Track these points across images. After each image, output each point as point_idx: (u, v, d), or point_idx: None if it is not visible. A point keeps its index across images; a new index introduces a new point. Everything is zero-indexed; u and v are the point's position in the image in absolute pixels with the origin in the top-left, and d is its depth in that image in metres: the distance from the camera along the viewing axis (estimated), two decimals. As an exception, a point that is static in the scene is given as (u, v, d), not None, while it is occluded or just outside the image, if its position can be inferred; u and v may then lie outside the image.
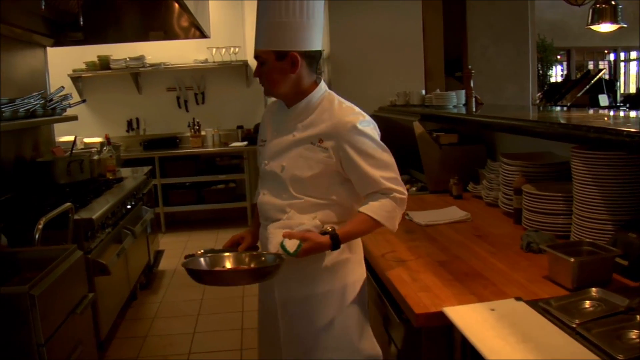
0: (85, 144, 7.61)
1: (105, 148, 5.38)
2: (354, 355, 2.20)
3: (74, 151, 5.59)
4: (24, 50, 5.07)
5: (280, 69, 2.10)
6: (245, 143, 7.71)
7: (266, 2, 2.11)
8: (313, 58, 2.15)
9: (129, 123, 8.16)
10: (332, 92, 2.22)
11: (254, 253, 2.18)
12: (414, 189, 4.37)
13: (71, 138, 7.76)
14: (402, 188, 2.12)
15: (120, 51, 7.62)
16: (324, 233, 2.04)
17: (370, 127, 2.12)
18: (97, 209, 3.79)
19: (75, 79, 7.85)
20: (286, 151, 2.16)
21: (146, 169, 5.82)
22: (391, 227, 2.13)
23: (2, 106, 3.57)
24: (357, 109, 2.15)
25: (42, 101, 4.19)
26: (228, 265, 2.13)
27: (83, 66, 7.70)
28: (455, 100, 4.58)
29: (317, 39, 2.14)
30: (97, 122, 8.10)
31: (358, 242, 2.27)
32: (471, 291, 1.94)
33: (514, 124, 2.90)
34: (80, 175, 4.82)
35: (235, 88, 8.09)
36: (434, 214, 3.06)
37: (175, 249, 6.63)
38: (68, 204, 3.23)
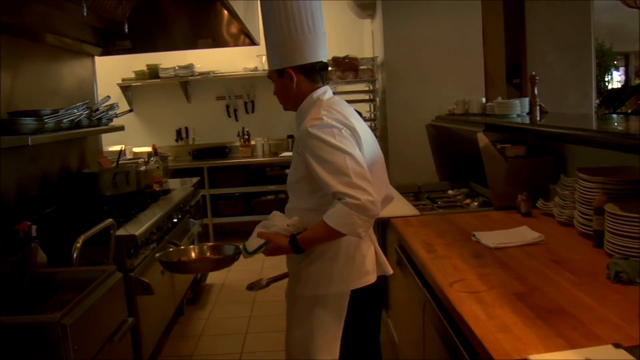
0: (135, 153, 7.55)
1: (152, 159, 5.24)
2: None
3: (121, 162, 5.49)
4: (71, 60, 4.98)
5: (284, 85, 2.30)
6: (295, 153, 7.48)
7: (265, 25, 2.31)
8: (311, 70, 2.28)
9: (178, 132, 8.06)
10: (323, 99, 2.28)
11: (216, 244, 2.54)
12: (475, 203, 4.09)
13: (121, 147, 7.75)
14: (356, 192, 2.02)
15: (169, 60, 7.52)
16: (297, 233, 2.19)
17: (324, 130, 2.11)
18: (142, 224, 3.61)
19: (125, 88, 7.79)
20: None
21: (195, 179, 5.66)
22: (351, 234, 2.08)
23: (46, 117, 3.43)
24: (321, 114, 2.16)
25: (87, 111, 4.05)
26: (193, 256, 2.51)
27: (132, 75, 7.62)
28: (519, 109, 4.28)
29: (313, 51, 2.26)
30: (146, 131, 8.03)
31: (338, 255, 2.26)
32: (558, 333, 1.66)
33: (596, 137, 2.59)
34: (126, 187, 4.68)
35: (286, 96, 7.89)
36: (503, 235, 2.77)
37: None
38: (109, 220, 3.06)
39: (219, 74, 7.66)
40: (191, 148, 7.92)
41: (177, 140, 8.09)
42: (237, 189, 7.53)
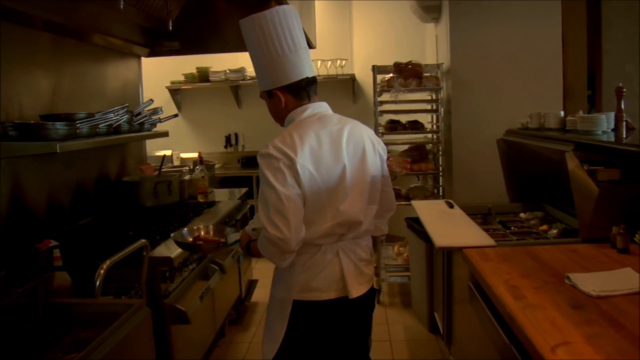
0: (182, 159, 7.27)
1: (197, 167, 4.89)
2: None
3: (164, 169, 5.18)
4: (116, 61, 4.68)
5: (274, 105, 2.40)
6: (349, 164, 7.06)
7: (249, 49, 2.39)
8: (297, 88, 2.34)
9: (227, 139, 7.73)
10: (296, 119, 2.34)
11: (219, 227, 2.93)
12: (554, 231, 3.60)
13: (168, 152, 7.48)
14: (269, 227, 2.15)
15: (220, 63, 7.21)
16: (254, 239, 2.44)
17: (264, 161, 2.22)
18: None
19: (174, 91, 7.52)
20: None
21: (243, 190, 5.30)
22: (269, 259, 2.26)
23: (78, 122, 3.09)
24: (274, 141, 2.23)
25: (127, 116, 3.71)
26: (202, 235, 2.85)
27: (182, 78, 7.33)
28: (605, 125, 3.78)
29: (297, 68, 2.32)
30: (195, 136, 7.74)
31: (294, 267, 2.32)
32: None
33: None
34: (167, 198, 4.34)
35: (341, 104, 7.48)
36: (604, 279, 2.30)
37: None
38: (142, 241, 2.69)
39: (272, 79, 7.29)
40: (240, 155, 7.58)
41: (226, 147, 7.77)
42: (287, 199, 7.10)
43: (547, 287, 2.25)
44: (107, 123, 3.46)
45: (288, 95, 2.35)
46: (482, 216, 4.16)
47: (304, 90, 2.37)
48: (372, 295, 2.53)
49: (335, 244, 2.33)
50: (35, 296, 2.10)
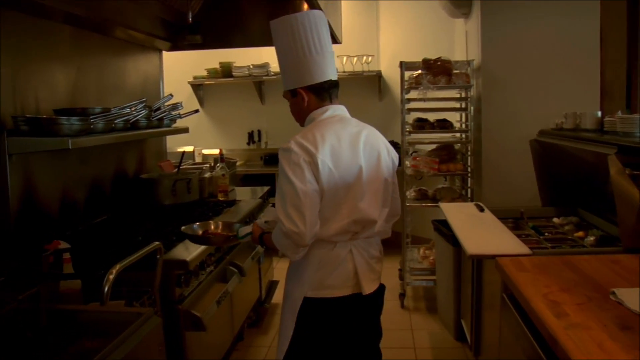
0: (204, 155, 7.14)
1: (218, 165, 4.75)
2: None
3: (184, 166, 5.05)
4: (136, 55, 4.56)
5: (297, 104, 2.47)
6: (374, 163, 6.88)
7: (276, 48, 2.47)
8: (320, 89, 2.43)
9: (250, 135, 7.60)
10: (317, 119, 2.41)
11: (227, 222, 2.95)
12: (591, 238, 3.40)
13: (190, 148, 7.36)
14: (285, 220, 2.22)
15: (244, 58, 7.07)
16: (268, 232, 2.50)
17: (285, 155, 2.28)
18: (196, 245, 3.11)
19: (196, 86, 7.40)
20: None
21: (265, 189, 5.16)
22: (282, 252, 2.33)
23: (92, 117, 2.96)
24: (295, 137, 2.31)
25: (145, 111, 3.57)
26: (211, 230, 2.90)
27: (204, 73, 7.20)
28: (646, 126, 3.56)
29: (322, 70, 2.40)
30: (217, 132, 7.63)
31: (302, 262, 2.39)
32: None
33: None
34: (186, 196, 4.20)
35: (367, 101, 7.33)
36: (653, 295, 2.11)
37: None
38: (156, 243, 2.54)
39: (296, 75, 7.14)
40: (263, 152, 7.45)
41: (248, 144, 7.64)
42: (310, 198, 6.96)
43: (591, 303, 2.07)
44: (123, 118, 3.33)
45: (311, 95, 2.43)
46: (513, 220, 3.96)
47: (327, 92, 2.45)
48: (381, 292, 2.56)
49: (348, 242, 2.39)
50: (38, 302, 1.96)
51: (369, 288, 2.42)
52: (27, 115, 2.86)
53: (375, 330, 2.59)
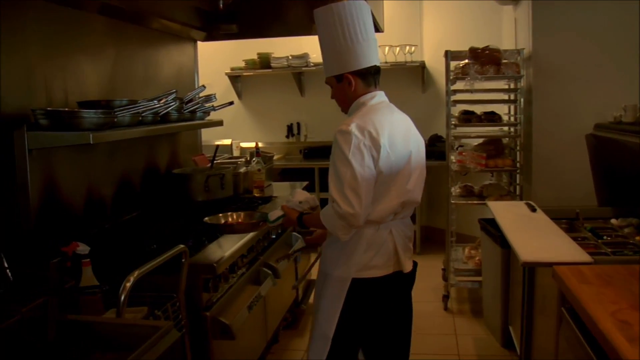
0: (242, 149, 7.00)
1: (254, 159, 4.55)
2: (313, 328, 2.63)
3: (220, 161, 4.89)
4: (170, 45, 4.39)
5: (342, 89, 2.53)
6: (417, 157, 6.62)
7: (320, 35, 2.53)
8: (366, 74, 2.50)
9: (289, 128, 7.40)
10: (367, 104, 2.49)
11: (249, 212, 3.09)
12: (657, 242, 3.11)
13: (228, 141, 7.21)
14: (342, 202, 2.30)
15: (283, 48, 6.86)
16: (307, 213, 2.63)
17: (345, 137, 2.32)
18: (227, 246, 2.93)
19: (234, 78, 7.22)
20: None
21: (304, 184, 4.96)
22: (332, 232, 2.41)
23: (116, 110, 2.77)
24: (353, 120, 2.37)
25: (175, 103, 3.38)
26: (232, 219, 3.04)
27: (242, 64, 7.01)
28: None
29: (368, 56, 2.48)
30: (255, 125, 7.45)
31: (348, 244, 2.47)
32: None
33: None
34: (220, 192, 4.02)
35: (409, 93, 7.05)
36: None
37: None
38: (180, 246, 2.37)
39: (337, 66, 6.91)
40: (302, 146, 7.24)
41: (287, 137, 7.44)
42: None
43: (668, 324, 1.80)
44: (152, 111, 3.14)
45: (358, 80, 2.49)
46: (567, 221, 3.68)
47: (373, 77, 2.53)
48: (415, 268, 2.65)
49: (389, 223, 2.50)
50: (46, 313, 1.78)
51: (408, 266, 2.57)
52: (48, 108, 2.69)
53: (409, 304, 2.73)
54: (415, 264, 2.64)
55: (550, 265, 2.48)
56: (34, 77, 2.81)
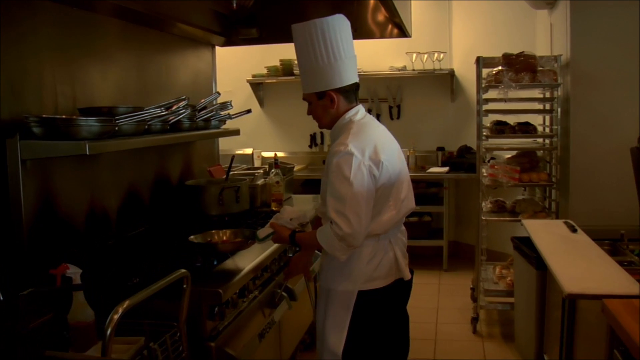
0: (263, 158, 6.78)
1: (272, 171, 4.31)
2: (321, 346, 2.65)
3: (238, 171, 4.66)
4: (187, 50, 4.18)
5: (323, 106, 2.55)
6: (446, 169, 6.34)
7: (299, 51, 2.53)
8: (348, 91, 2.54)
9: (313, 137, 7.17)
10: (354, 120, 2.52)
11: (235, 230, 3.00)
12: None
13: (249, 150, 6.98)
14: (342, 222, 2.31)
15: (306, 54, 6.61)
16: (299, 230, 2.64)
17: (344, 157, 2.35)
18: (237, 269, 2.68)
19: (256, 85, 7.00)
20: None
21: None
22: (330, 253, 2.42)
23: (117, 118, 2.54)
24: (348, 139, 2.39)
25: (185, 111, 3.15)
26: (217, 238, 2.95)
27: (264, 71, 6.78)
28: None
29: (350, 73, 2.51)
30: (278, 134, 7.23)
31: (351, 258, 2.46)
32: None
33: None
34: (235, 206, 3.76)
35: (438, 102, 6.78)
36: None
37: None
38: (182, 271, 2.11)
39: (362, 73, 6.59)
40: (326, 156, 6.96)
41: (310, 146, 7.20)
42: (375, 206, 6.46)
43: None
44: (160, 119, 2.91)
45: (341, 97, 2.51)
46: (609, 243, 3.38)
47: (354, 93, 2.56)
48: (412, 275, 2.69)
49: (387, 233, 2.53)
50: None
51: (408, 273, 2.62)
52: (43, 115, 2.46)
53: (406, 312, 2.76)
54: (411, 270, 2.69)
55: (598, 298, 2.19)
56: (40, 82, 2.62)
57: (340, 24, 2.48)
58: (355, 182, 2.31)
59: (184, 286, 2.17)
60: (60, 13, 2.75)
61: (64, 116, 2.54)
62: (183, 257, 2.77)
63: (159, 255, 2.85)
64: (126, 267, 2.63)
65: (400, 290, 2.62)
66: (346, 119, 2.51)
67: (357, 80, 2.56)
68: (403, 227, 2.68)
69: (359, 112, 2.56)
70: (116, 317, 1.76)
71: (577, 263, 2.72)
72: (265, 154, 6.80)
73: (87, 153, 2.32)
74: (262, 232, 2.67)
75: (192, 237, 2.87)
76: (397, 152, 2.58)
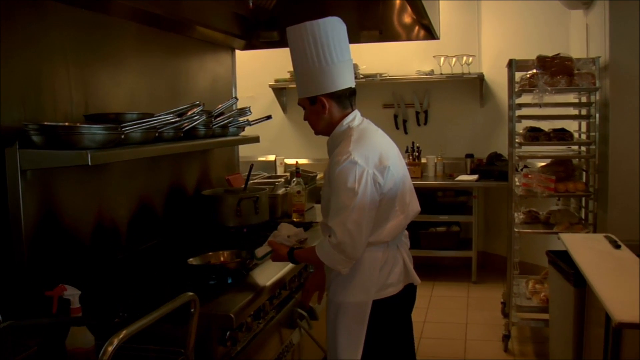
0: (286, 165, 6.63)
1: (293, 180, 4.11)
2: None
3: (258, 180, 4.49)
4: (205, 55, 4.00)
5: (315, 112, 2.48)
6: (475, 177, 6.09)
7: (292, 54, 2.47)
8: (341, 97, 2.45)
9: (336, 144, 6.94)
10: (353, 127, 2.44)
11: (234, 251, 2.85)
12: None
13: (272, 157, 6.81)
14: (341, 233, 2.25)
15: (330, 59, 6.42)
16: (297, 247, 2.59)
17: (347, 167, 2.28)
18: (258, 283, 2.49)
19: (279, 90, 6.82)
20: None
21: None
22: (331, 267, 2.37)
23: (124, 125, 2.35)
24: (349, 149, 2.31)
25: (202, 118, 2.97)
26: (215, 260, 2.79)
27: (287, 75, 6.60)
28: None
29: (343, 78, 2.43)
30: (302, 141, 7.01)
31: (362, 268, 2.40)
32: None
33: None
34: (254, 217, 3.58)
35: (466, 107, 6.54)
36: None
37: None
38: (188, 294, 1.92)
39: (387, 78, 6.47)
40: (349, 164, 6.77)
41: (334, 153, 6.98)
42: (401, 216, 6.24)
43: None
44: (172, 126, 2.73)
45: (332, 103, 2.44)
46: (655, 259, 3.12)
47: (348, 99, 2.48)
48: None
49: (395, 239, 2.49)
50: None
51: (417, 277, 2.58)
52: (45, 123, 2.29)
53: (410, 317, 2.72)
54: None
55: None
56: (49, 88, 2.49)
57: (333, 26, 2.41)
58: (360, 192, 2.26)
59: (192, 310, 1.98)
60: (71, 15, 2.61)
61: (67, 123, 2.36)
62: (195, 275, 2.59)
63: (167, 272, 2.67)
64: (126, 289, 2.46)
65: (410, 295, 2.60)
66: (344, 126, 2.45)
67: (351, 85, 2.48)
68: (406, 231, 2.62)
69: (356, 117, 2.49)
70: (111, 349, 1.57)
71: (625, 285, 2.47)
72: (289, 161, 6.66)
73: (89, 163, 2.14)
74: (260, 251, 2.61)
75: (191, 259, 2.72)
76: (399, 156, 2.53)
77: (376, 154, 2.34)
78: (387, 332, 2.49)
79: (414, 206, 2.55)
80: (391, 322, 2.51)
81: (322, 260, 2.34)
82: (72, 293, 1.97)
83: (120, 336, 1.60)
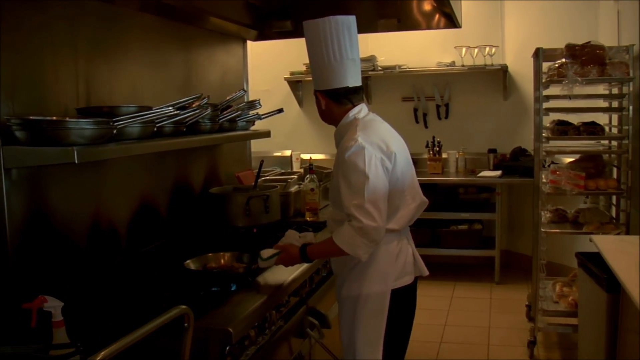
0: (302, 160, 6.44)
1: (307, 177, 3.91)
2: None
3: (271, 177, 4.31)
4: (215, 46, 3.82)
5: (317, 103, 2.59)
6: (498, 173, 5.87)
7: (307, 45, 2.51)
8: (335, 94, 2.49)
9: (354, 139, 6.73)
10: (358, 118, 2.48)
11: (236, 254, 2.71)
12: None
13: (287, 152, 6.63)
14: (363, 217, 2.25)
15: (346, 50, 6.21)
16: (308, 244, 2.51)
17: (356, 152, 2.31)
18: (261, 291, 2.31)
19: (294, 83, 6.62)
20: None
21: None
22: (352, 254, 2.32)
23: (116, 120, 2.16)
24: (357, 134, 2.35)
25: (207, 111, 2.77)
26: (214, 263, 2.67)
27: (303, 68, 6.39)
28: None
29: (339, 77, 2.45)
30: (318, 136, 6.78)
31: (378, 258, 2.43)
32: None
33: None
34: (264, 217, 3.38)
35: (489, 100, 6.31)
36: None
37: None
38: (182, 307, 1.72)
39: (407, 70, 6.25)
40: (368, 158, 6.57)
41: (352, 148, 6.78)
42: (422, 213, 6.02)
43: None
44: (172, 120, 2.53)
45: (327, 99, 2.50)
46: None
47: (344, 97, 2.50)
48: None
49: (404, 229, 2.55)
50: None
51: (426, 269, 2.62)
52: (30, 117, 2.10)
53: None
54: None
55: None
56: (50, 81, 2.35)
57: (333, 26, 2.41)
58: (371, 175, 2.29)
59: (185, 325, 1.78)
60: (73, 5, 2.45)
61: (54, 118, 2.17)
62: (196, 282, 2.40)
63: (166, 277, 2.49)
64: (116, 298, 2.27)
65: (415, 286, 2.64)
66: (350, 117, 2.49)
67: (352, 84, 2.48)
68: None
69: (362, 110, 2.52)
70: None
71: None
72: (305, 156, 6.46)
73: (76, 161, 1.95)
74: (266, 252, 2.50)
75: (188, 261, 2.60)
76: (405, 149, 2.55)
77: (381, 140, 2.38)
78: (404, 322, 2.56)
79: (422, 196, 2.59)
80: (408, 313, 2.58)
81: (342, 246, 2.30)
82: (53, 305, 1.78)
83: (103, 353, 1.42)
